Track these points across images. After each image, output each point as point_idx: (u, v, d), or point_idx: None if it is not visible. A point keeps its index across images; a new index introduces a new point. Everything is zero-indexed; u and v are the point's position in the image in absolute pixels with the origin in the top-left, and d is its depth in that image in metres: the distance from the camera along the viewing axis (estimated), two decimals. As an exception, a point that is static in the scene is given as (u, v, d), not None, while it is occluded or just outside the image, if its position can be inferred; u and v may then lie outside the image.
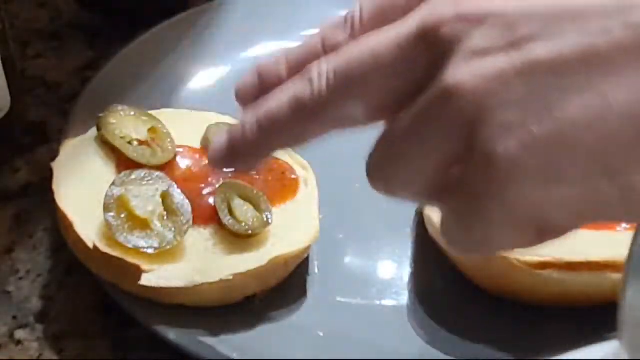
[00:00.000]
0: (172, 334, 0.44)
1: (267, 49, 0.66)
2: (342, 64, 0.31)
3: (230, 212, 0.47)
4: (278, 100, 0.33)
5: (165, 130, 0.52)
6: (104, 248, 0.45)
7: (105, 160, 0.50)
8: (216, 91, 0.62)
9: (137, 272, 0.44)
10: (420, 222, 0.51)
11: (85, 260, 0.47)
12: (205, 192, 0.49)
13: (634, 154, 0.27)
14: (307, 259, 0.49)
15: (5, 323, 0.48)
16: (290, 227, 0.48)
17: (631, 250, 0.33)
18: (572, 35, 0.27)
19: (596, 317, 0.43)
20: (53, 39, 0.68)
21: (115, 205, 0.46)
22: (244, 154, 0.35)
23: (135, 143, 0.50)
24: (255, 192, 0.49)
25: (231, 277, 0.45)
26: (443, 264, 0.49)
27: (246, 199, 0.48)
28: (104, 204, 0.46)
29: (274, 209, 0.49)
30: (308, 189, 0.51)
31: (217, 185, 0.49)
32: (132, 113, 0.52)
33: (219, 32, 0.65)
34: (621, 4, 0.27)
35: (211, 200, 0.48)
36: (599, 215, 0.29)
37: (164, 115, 0.53)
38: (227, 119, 0.54)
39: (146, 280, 0.44)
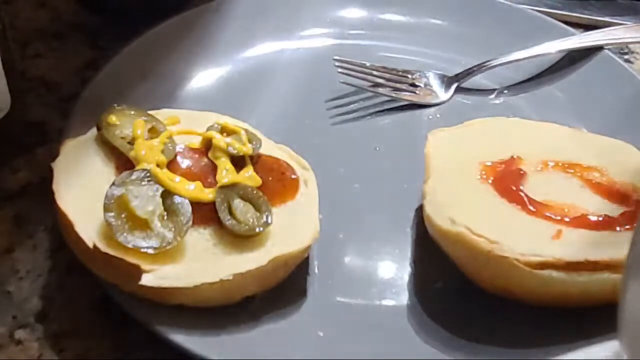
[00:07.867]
0: (172, 334, 0.44)
1: (267, 49, 0.66)
2: None
3: (230, 212, 0.47)
4: None
5: (165, 131, 0.52)
6: (104, 248, 0.45)
7: (105, 160, 0.50)
8: (216, 91, 0.63)
9: (137, 272, 0.44)
10: (420, 222, 0.51)
11: (85, 260, 0.47)
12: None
13: None
14: (307, 259, 0.49)
15: (5, 323, 0.48)
16: (290, 227, 0.48)
17: (631, 250, 0.33)
18: None
19: (596, 317, 0.43)
20: (53, 39, 0.68)
21: (115, 205, 0.46)
22: None
23: (136, 143, 0.51)
24: (255, 192, 0.49)
25: (231, 277, 0.45)
26: (443, 264, 0.49)
27: (246, 199, 0.48)
28: (104, 204, 0.46)
29: (274, 209, 0.49)
30: (308, 189, 0.51)
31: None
32: (132, 113, 0.52)
33: (219, 32, 0.66)
34: None
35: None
36: None
37: (164, 115, 0.53)
38: (227, 119, 0.54)
39: (146, 280, 0.44)
